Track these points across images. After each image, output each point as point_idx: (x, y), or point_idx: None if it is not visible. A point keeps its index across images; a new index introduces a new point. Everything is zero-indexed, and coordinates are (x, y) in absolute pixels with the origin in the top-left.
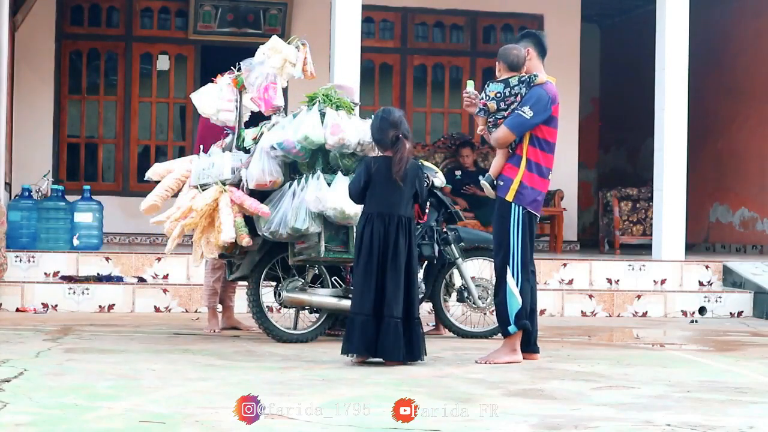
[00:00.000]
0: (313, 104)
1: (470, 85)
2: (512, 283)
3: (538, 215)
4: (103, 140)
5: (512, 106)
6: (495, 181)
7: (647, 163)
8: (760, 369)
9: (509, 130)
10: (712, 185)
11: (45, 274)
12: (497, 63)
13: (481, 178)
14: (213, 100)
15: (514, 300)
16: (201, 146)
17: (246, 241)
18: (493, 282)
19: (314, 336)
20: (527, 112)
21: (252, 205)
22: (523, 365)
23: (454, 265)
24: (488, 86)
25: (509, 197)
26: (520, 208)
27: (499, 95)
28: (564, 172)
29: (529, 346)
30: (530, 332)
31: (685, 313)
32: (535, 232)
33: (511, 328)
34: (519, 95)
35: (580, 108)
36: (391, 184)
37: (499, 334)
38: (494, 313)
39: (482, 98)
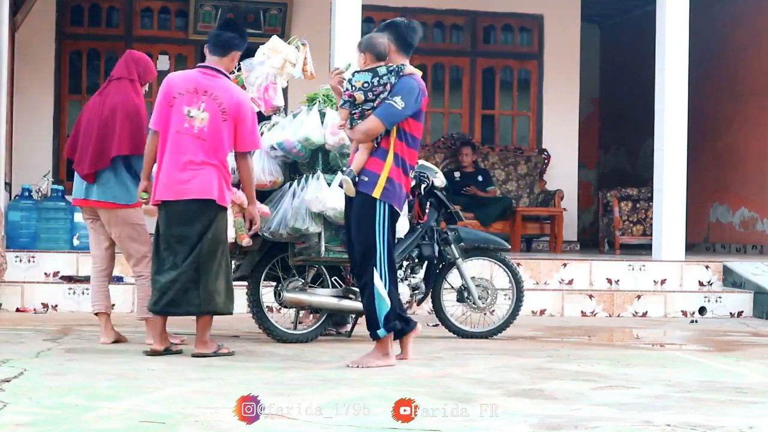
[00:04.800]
0: (313, 104)
1: (347, 65)
2: (380, 285)
3: (401, 214)
4: None
5: (381, 96)
6: (357, 177)
7: (647, 163)
8: (760, 369)
9: (380, 121)
10: (712, 185)
11: (45, 274)
12: (361, 54)
13: (344, 174)
14: None
15: (383, 302)
16: None
17: (246, 241)
18: (494, 282)
19: (314, 336)
20: (399, 103)
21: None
22: (523, 365)
23: (454, 265)
24: (353, 77)
25: (376, 193)
26: (386, 205)
27: (366, 85)
28: (564, 172)
29: (408, 325)
30: (402, 308)
31: (685, 313)
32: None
33: (381, 332)
34: (388, 84)
35: (580, 108)
36: None
37: (500, 334)
38: (494, 313)
39: (347, 89)
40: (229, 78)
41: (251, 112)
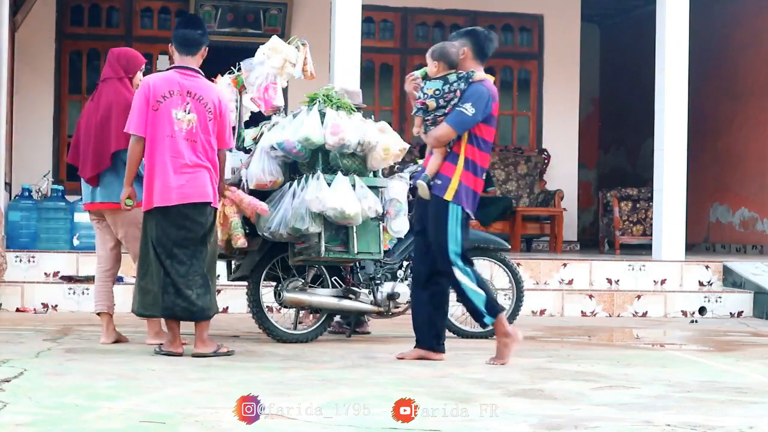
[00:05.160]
0: (313, 104)
1: (422, 72)
2: (466, 281)
3: (472, 216)
4: None
5: (452, 103)
6: (431, 181)
7: (647, 163)
8: (760, 369)
9: (451, 128)
10: (712, 185)
11: (45, 274)
12: (434, 62)
13: (419, 178)
14: None
15: (477, 295)
16: None
17: (241, 242)
18: (494, 282)
19: (314, 336)
20: (469, 109)
21: (251, 202)
22: (523, 365)
23: None
24: (425, 84)
25: (448, 196)
26: (458, 207)
27: (438, 92)
28: (564, 172)
29: (439, 345)
30: (442, 330)
31: (685, 313)
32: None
33: (487, 320)
34: (458, 91)
35: (580, 108)
36: None
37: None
38: None
39: (420, 97)
40: (204, 76)
41: (229, 110)
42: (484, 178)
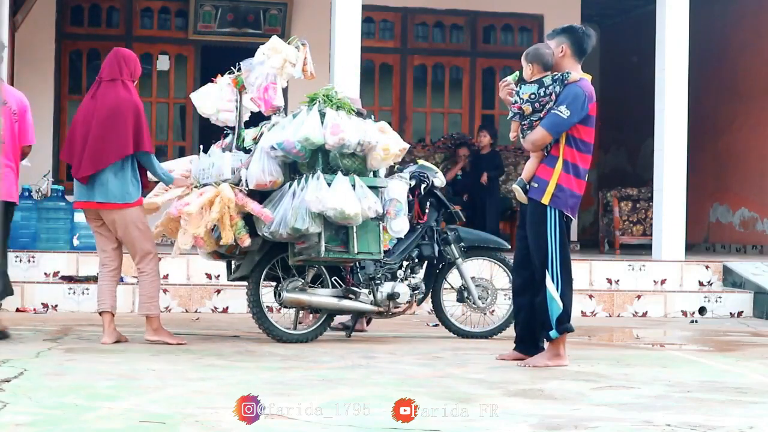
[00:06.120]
0: (313, 104)
1: (514, 76)
2: (552, 288)
3: (573, 218)
4: None
5: (547, 106)
6: (528, 185)
7: (647, 163)
8: (760, 369)
9: (546, 131)
10: (712, 185)
11: (45, 274)
12: (528, 64)
13: (515, 183)
14: (213, 100)
15: (555, 305)
16: (201, 146)
17: (247, 242)
18: (494, 282)
19: (314, 336)
20: (564, 112)
21: (255, 209)
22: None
23: (454, 265)
24: (521, 89)
25: (545, 200)
26: (556, 211)
27: (533, 96)
28: None
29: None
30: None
31: (685, 313)
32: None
33: (553, 333)
34: (553, 94)
35: None
36: None
37: (500, 334)
38: (494, 313)
39: (516, 102)
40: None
41: (28, 109)
42: (586, 179)
